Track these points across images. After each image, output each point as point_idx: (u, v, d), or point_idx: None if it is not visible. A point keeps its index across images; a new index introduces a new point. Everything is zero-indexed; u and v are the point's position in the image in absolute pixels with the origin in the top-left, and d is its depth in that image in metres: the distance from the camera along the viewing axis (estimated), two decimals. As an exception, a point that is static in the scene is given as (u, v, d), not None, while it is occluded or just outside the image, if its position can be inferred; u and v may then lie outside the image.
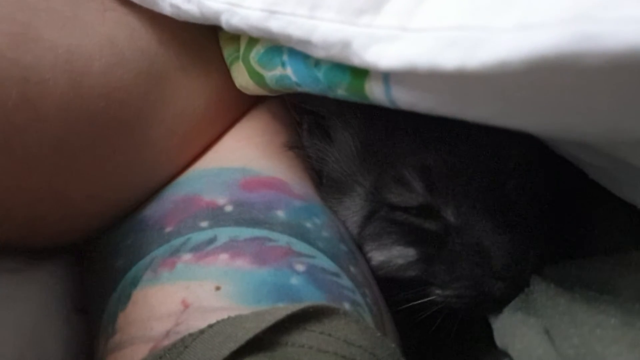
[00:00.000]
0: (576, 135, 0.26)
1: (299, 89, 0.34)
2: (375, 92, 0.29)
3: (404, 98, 0.28)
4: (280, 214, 0.36)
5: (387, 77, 0.28)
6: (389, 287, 0.39)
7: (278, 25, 0.31)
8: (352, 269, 0.37)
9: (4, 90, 0.29)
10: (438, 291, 0.39)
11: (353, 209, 0.41)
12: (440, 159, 0.38)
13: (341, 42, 0.28)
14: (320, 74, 0.32)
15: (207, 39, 0.40)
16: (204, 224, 0.35)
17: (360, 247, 0.41)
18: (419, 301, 0.39)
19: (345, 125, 0.41)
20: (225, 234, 0.34)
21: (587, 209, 0.41)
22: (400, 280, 0.40)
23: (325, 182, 0.42)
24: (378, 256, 0.40)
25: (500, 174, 0.38)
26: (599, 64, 0.20)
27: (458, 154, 0.38)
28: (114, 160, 0.35)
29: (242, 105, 0.42)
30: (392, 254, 0.40)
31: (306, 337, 0.29)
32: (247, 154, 0.40)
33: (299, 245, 0.35)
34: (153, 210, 0.37)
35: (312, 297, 0.32)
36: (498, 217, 0.37)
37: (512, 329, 0.33)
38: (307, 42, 0.30)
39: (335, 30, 0.29)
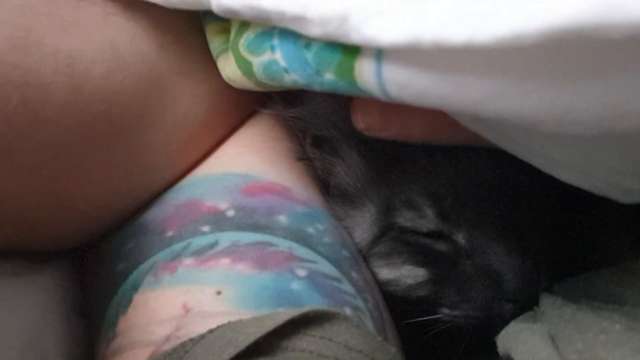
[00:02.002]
0: (573, 121, 0.24)
1: (286, 77, 0.32)
2: (365, 73, 0.28)
3: (396, 78, 0.27)
4: (282, 219, 0.36)
5: (380, 54, 0.27)
6: (395, 302, 0.39)
7: (271, 2, 0.29)
8: (353, 274, 0.36)
9: (5, 94, 0.29)
10: (446, 311, 0.39)
11: (363, 226, 0.40)
12: (450, 185, 0.38)
13: (339, 16, 0.26)
14: (310, 55, 0.30)
15: (207, 44, 0.40)
16: (206, 228, 0.35)
17: (365, 259, 0.41)
18: (425, 318, 0.39)
19: (351, 145, 0.41)
20: (226, 238, 0.34)
21: (592, 220, 0.41)
22: (409, 299, 0.40)
23: (334, 192, 0.42)
24: (386, 274, 0.40)
25: (511, 198, 0.38)
26: (624, 36, 0.19)
27: (468, 179, 0.38)
28: (115, 164, 0.35)
29: (243, 111, 0.42)
30: (402, 274, 0.40)
31: (307, 342, 0.29)
32: (249, 159, 0.40)
33: (301, 251, 0.35)
34: (154, 214, 0.37)
35: (313, 302, 0.32)
36: (509, 241, 0.37)
37: (515, 333, 0.33)
38: (301, 19, 0.28)
39: (332, 3, 0.27)
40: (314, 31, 0.28)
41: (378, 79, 0.27)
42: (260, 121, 0.43)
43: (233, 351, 0.28)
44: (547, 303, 0.34)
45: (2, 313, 0.33)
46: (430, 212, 0.38)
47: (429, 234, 0.39)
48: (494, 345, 0.34)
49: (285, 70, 0.32)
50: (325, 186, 0.42)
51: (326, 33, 0.27)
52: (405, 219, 0.39)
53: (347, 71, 0.29)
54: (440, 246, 0.39)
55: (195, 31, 0.39)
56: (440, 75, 0.25)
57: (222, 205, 0.36)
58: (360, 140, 0.40)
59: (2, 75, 0.29)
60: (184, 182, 0.39)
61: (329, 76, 0.30)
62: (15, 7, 0.31)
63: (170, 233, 0.35)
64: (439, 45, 0.23)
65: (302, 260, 0.34)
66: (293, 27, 0.29)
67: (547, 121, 0.25)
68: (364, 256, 0.40)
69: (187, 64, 0.39)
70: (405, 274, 0.39)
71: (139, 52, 0.36)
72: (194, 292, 0.32)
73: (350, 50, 0.28)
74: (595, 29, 0.19)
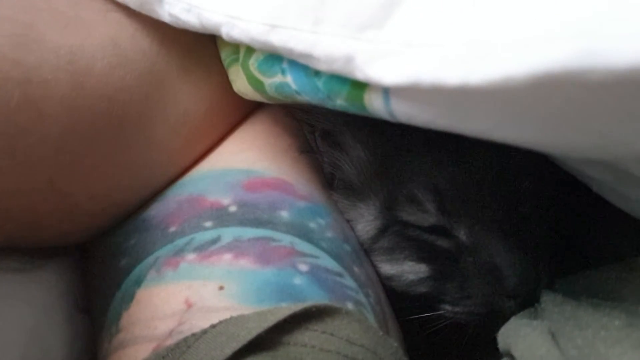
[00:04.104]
0: (574, 150, 0.26)
1: (298, 97, 0.34)
2: (374, 103, 0.29)
3: (403, 110, 0.28)
4: (284, 214, 0.36)
5: (387, 89, 0.28)
6: (396, 297, 0.39)
7: (279, 39, 0.31)
8: (355, 269, 0.36)
9: (7, 90, 0.29)
10: (448, 307, 0.39)
11: (367, 218, 0.40)
12: (452, 179, 0.38)
13: (344, 57, 0.28)
14: (320, 82, 0.31)
15: (209, 40, 0.40)
16: (208, 224, 0.35)
17: (367, 254, 0.41)
18: (427, 314, 0.39)
19: (356, 138, 0.41)
20: (229, 234, 0.34)
21: (593, 217, 0.41)
22: (410, 294, 0.40)
23: (338, 185, 0.42)
24: (388, 269, 0.40)
25: (513, 195, 0.38)
26: (604, 80, 0.20)
27: (470, 175, 0.38)
28: (117, 160, 0.35)
29: (245, 107, 0.42)
30: (404, 269, 0.40)
31: (308, 337, 0.29)
32: (251, 155, 0.40)
33: (303, 246, 0.35)
34: (157, 210, 0.37)
35: (315, 297, 0.32)
36: (510, 237, 0.37)
37: (515, 329, 0.33)
38: (309, 56, 0.30)
39: (338, 45, 0.28)
40: (320, 67, 0.30)
41: (387, 109, 0.29)
42: (262, 117, 0.43)
43: (235, 346, 0.28)
44: (548, 300, 0.34)
45: (5, 309, 0.33)
46: (431, 207, 0.38)
47: (430, 229, 0.39)
48: (494, 341, 0.34)
49: (297, 93, 0.33)
50: (329, 179, 0.42)
51: (332, 70, 0.29)
52: (407, 213, 0.39)
53: (357, 100, 0.30)
54: (442, 243, 0.39)
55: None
56: (444, 110, 0.27)
57: (225, 200, 0.36)
58: (364, 135, 0.40)
59: (4, 72, 0.29)
60: (186, 178, 0.39)
61: (340, 102, 0.31)
62: (17, 3, 0.31)
63: (172, 229, 0.35)
64: (436, 87, 0.24)
65: (304, 255, 0.34)
66: (300, 60, 0.31)
67: (553, 147, 0.26)
68: (366, 250, 0.40)
69: (189, 60, 0.39)
70: (407, 270, 0.40)
71: (140, 49, 0.36)
72: (196, 287, 0.32)
73: (359, 84, 0.29)
74: (577, 73, 0.21)
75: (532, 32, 0.22)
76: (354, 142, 0.41)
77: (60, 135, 0.32)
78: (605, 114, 0.23)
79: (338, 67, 0.29)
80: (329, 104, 0.32)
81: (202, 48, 0.39)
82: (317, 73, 0.31)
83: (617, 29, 0.20)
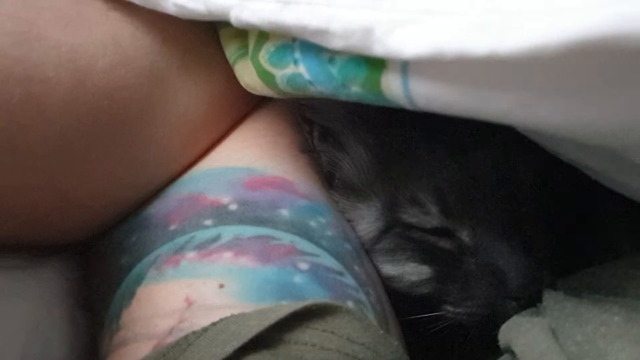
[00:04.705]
0: (598, 130, 0.24)
1: (311, 89, 0.33)
2: (392, 86, 0.28)
3: (423, 91, 0.27)
4: (285, 212, 0.36)
5: (406, 68, 0.27)
6: (398, 298, 0.39)
7: (293, 16, 0.29)
8: (356, 267, 0.37)
9: (8, 88, 0.29)
10: (450, 308, 0.39)
11: (368, 219, 0.40)
12: (455, 181, 0.38)
13: (362, 29, 0.26)
14: (334, 69, 0.30)
15: (210, 38, 0.40)
16: (208, 222, 0.35)
17: (368, 254, 0.41)
18: (428, 315, 0.39)
19: (358, 139, 0.41)
20: (229, 232, 0.34)
21: (593, 215, 0.41)
22: (412, 295, 0.40)
23: (338, 185, 0.42)
24: (390, 270, 0.40)
25: (516, 196, 0.38)
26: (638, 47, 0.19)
27: (473, 177, 0.38)
28: (117, 158, 0.35)
29: (245, 105, 0.42)
30: (405, 270, 0.40)
31: (309, 335, 0.29)
32: (251, 153, 0.40)
33: (303, 244, 0.35)
34: (157, 208, 0.37)
35: (316, 296, 0.32)
36: (513, 239, 0.37)
37: (516, 326, 0.33)
38: (324, 32, 0.28)
39: (355, 16, 0.27)
40: (336, 44, 0.28)
41: (405, 92, 0.27)
42: (262, 115, 0.43)
43: (236, 344, 0.28)
44: (549, 298, 0.34)
45: (6, 306, 0.33)
46: (434, 209, 0.38)
47: (433, 231, 0.39)
48: (495, 341, 0.34)
49: (310, 83, 0.32)
50: (329, 179, 0.42)
51: (349, 46, 0.28)
52: (409, 215, 0.39)
53: (374, 85, 0.29)
54: (445, 244, 0.39)
55: (197, 26, 0.39)
56: (466, 87, 0.25)
57: (225, 199, 0.36)
58: (366, 135, 0.40)
59: (5, 70, 0.29)
60: (186, 176, 0.39)
61: (355, 89, 0.30)
62: (18, 1, 0.31)
63: (173, 227, 0.35)
64: (462, 57, 0.23)
65: (304, 253, 0.34)
66: (314, 40, 0.29)
67: (575, 130, 0.25)
68: (368, 251, 0.40)
69: (189, 59, 0.39)
70: (409, 271, 0.40)
71: (141, 47, 0.36)
72: (196, 285, 0.32)
73: (376, 65, 0.28)
74: (615, 40, 0.20)
75: (565, 0, 0.21)
76: (356, 143, 0.41)
77: (61, 133, 0.32)
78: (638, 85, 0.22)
79: (356, 42, 0.27)
80: (343, 94, 0.31)
81: (203, 46, 0.39)
82: (331, 60, 0.30)
83: None
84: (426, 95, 0.27)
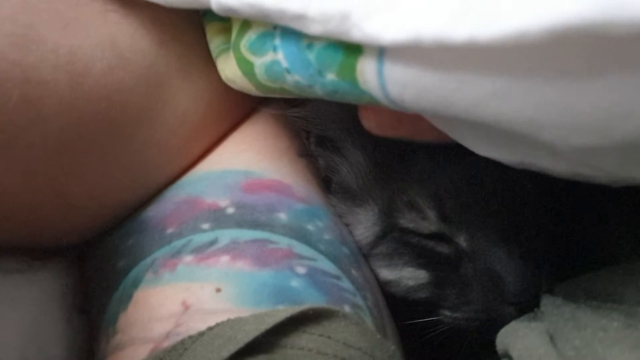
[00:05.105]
0: (572, 125, 0.24)
1: (288, 78, 0.32)
2: (366, 72, 0.28)
3: (397, 77, 0.26)
4: (282, 216, 0.36)
5: (382, 53, 0.26)
6: (395, 302, 0.39)
7: (272, 0, 0.29)
8: (353, 271, 0.36)
9: (5, 91, 0.29)
10: (447, 313, 0.39)
11: (365, 224, 0.40)
12: (452, 187, 0.38)
13: (340, 14, 0.26)
14: (312, 55, 0.30)
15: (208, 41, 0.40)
16: (206, 225, 0.35)
17: (366, 258, 0.41)
18: (426, 319, 0.39)
19: (355, 144, 0.41)
20: (226, 235, 0.34)
21: (591, 221, 0.41)
22: (409, 300, 0.40)
23: (336, 189, 0.42)
24: (387, 275, 0.40)
25: (514, 202, 0.38)
26: (628, 34, 0.19)
27: (471, 181, 0.38)
28: (115, 161, 0.35)
29: (244, 108, 0.42)
30: (403, 275, 0.40)
31: (305, 340, 0.29)
32: (249, 157, 0.40)
33: (300, 248, 0.35)
34: (155, 211, 0.37)
35: (313, 300, 0.32)
36: (511, 244, 0.37)
37: (514, 330, 0.33)
38: (302, 17, 0.28)
39: (333, 1, 0.26)
40: (315, 29, 0.28)
41: (379, 79, 0.27)
42: (261, 118, 0.43)
43: (232, 348, 0.28)
44: (547, 303, 0.34)
45: (3, 310, 0.33)
46: (431, 214, 0.38)
47: (430, 236, 0.39)
48: (494, 346, 0.34)
49: (287, 71, 0.32)
50: (327, 183, 0.42)
51: (327, 31, 0.27)
52: (407, 220, 0.39)
53: (348, 71, 0.29)
54: (442, 248, 0.39)
55: (195, 28, 0.38)
56: (441, 73, 0.25)
57: (222, 202, 0.36)
58: (364, 140, 0.40)
59: (3, 72, 0.29)
60: (184, 179, 0.39)
61: (330, 76, 0.30)
62: (16, 4, 0.31)
63: (170, 230, 0.35)
64: (441, 43, 0.23)
65: (301, 257, 0.34)
66: (293, 25, 0.29)
67: (547, 124, 0.24)
68: (365, 255, 0.40)
69: (187, 61, 0.39)
70: (406, 276, 0.40)
71: (139, 49, 0.36)
72: (193, 289, 0.32)
73: (352, 50, 0.28)
74: (600, 27, 0.19)
75: None
76: (353, 148, 0.41)
77: (59, 136, 0.32)
78: (620, 75, 0.21)
79: (333, 27, 0.27)
80: (319, 83, 0.31)
81: (202, 48, 0.39)
82: (309, 45, 0.30)
83: None
84: (400, 81, 0.26)
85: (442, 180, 0.38)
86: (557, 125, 0.24)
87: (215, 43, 0.38)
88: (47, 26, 0.32)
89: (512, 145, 0.29)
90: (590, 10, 0.19)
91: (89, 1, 0.35)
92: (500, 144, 0.29)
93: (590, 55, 0.21)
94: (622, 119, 0.23)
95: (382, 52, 0.27)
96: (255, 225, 0.35)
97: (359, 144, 0.40)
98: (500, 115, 0.25)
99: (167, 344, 0.30)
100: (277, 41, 0.32)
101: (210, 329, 0.29)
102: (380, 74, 0.27)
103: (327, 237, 0.37)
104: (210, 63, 0.39)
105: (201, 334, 0.29)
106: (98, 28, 0.34)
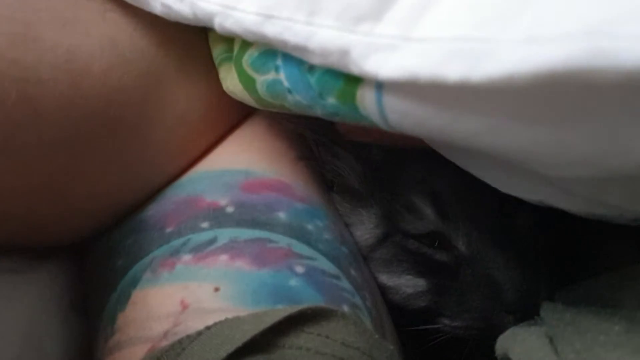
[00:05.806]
0: (567, 156, 0.25)
1: (289, 97, 0.33)
2: (366, 100, 0.28)
3: (395, 107, 0.27)
4: (282, 215, 0.36)
5: (380, 85, 0.27)
6: (394, 310, 0.39)
7: (274, 30, 0.30)
8: (352, 271, 0.36)
9: (4, 89, 0.29)
10: (446, 321, 0.39)
11: (367, 225, 0.40)
12: (449, 184, 0.38)
13: (339, 50, 0.27)
14: (312, 78, 0.31)
15: (207, 41, 0.40)
16: (205, 224, 0.35)
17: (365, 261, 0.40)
18: (425, 327, 0.39)
19: (348, 150, 0.41)
20: (225, 235, 0.34)
21: (592, 226, 0.40)
22: (408, 308, 0.40)
23: (338, 189, 0.42)
24: (386, 281, 0.40)
25: (512, 204, 0.38)
26: (612, 81, 0.20)
27: (469, 182, 0.37)
28: (114, 160, 0.35)
29: (243, 108, 0.42)
30: (402, 282, 0.40)
31: (304, 339, 0.29)
32: (249, 156, 0.40)
33: (300, 247, 0.35)
34: (154, 210, 0.37)
35: (311, 299, 0.32)
36: (509, 250, 0.37)
37: (513, 334, 0.33)
38: (303, 49, 0.29)
39: (333, 38, 0.27)
40: (315, 60, 0.29)
41: (378, 107, 0.28)
42: (261, 118, 0.43)
43: (230, 348, 0.28)
44: (547, 309, 0.33)
45: (2, 309, 0.33)
46: (429, 212, 0.38)
47: (430, 241, 0.39)
48: (493, 353, 0.34)
49: (289, 91, 0.33)
50: (328, 183, 0.42)
51: (327, 64, 0.28)
52: (406, 222, 0.39)
53: (349, 97, 0.29)
54: (441, 256, 0.39)
55: (194, 29, 0.38)
56: (437, 107, 0.26)
57: (222, 201, 0.36)
58: (356, 146, 0.40)
59: (1, 71, 0.29)
60: (184, 179, 0.39)
61: (331, 100, 0.30)
62: (15, 3, 0.31)
63: (169, 229, 0.35)
64: (435, 82, 0.24)
65: (301, 257, 0.34)
66: (294, 53, 0.30)
67: (541, 157, 0.25)
68: (365, 258, 0.40)
69: (187, 61, 0.39)
70: (405, 284, 0.39)
71: (138, 49, 0.36)
72: (192, 288, 0.32)
73: (353, 78, 0.28)
74: (584, 73, 0.20)
75: (537, 30, 0.21)
76: (346, 153, 0.41)
77: (57, 135, 0.32)
78: (609, 118, 0.22)
79: (333, 61, 0.28)
80: (319, 104, 0.31)
81: (201, 49, 0.39)
82: (311, 69, 0.30)
83: (628, 29, 0.19)
84: (398, 111, 0.27)
85: (439, 177, 0.38)
86: (552, 158, 0.25)
87: (217, 51, 0.39)
88: (46, 25, 0.32)
89: (529, 181, 0.30)
90: (575, 57, 0.20)
91: (88, 1, 0.35)
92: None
93: (578, 98, 0.22)
94: (615, 154, 0.23)
95: (380, 84, 0.27)
96: (254, 224, 0.35)
97: (351, 148, 0.41)
98: (496, 147, 0.26)
99: (165, 343, 0.30)
100: (279, 61, 0.32)
101: (208, 328, 0.29)
102: (379, 102, 0.28)
103: (326, 236, 0.37)
104: (210, 63, 0.39)
105: (199, 334, 0.29)
106: (97, 28, 0.34)
